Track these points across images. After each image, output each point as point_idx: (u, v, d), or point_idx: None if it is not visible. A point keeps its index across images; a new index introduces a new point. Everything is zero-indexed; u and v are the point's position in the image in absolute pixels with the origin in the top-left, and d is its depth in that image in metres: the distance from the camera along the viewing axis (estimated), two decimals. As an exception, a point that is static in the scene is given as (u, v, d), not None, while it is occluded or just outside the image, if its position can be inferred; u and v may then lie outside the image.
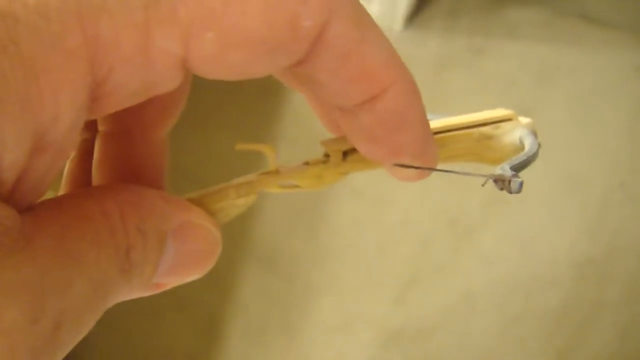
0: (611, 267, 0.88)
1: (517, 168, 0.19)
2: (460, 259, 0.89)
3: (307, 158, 0.21)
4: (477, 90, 1.00)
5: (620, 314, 0.85)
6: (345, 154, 0.20)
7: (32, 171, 0.14)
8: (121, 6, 0.13)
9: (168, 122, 0.19)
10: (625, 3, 1.07)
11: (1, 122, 0.12)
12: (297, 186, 0.20)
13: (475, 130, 0.21)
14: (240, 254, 0.87)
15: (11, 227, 0.13)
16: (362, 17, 0.16)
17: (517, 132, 0.21)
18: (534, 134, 0.21)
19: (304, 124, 0.92)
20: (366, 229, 0.90)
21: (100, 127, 0.19)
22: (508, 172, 0.18)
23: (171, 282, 0.17)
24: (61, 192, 0.20)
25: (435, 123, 0.21)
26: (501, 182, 0.18)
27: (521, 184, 0.18)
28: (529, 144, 0.20)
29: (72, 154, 0.20)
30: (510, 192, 0.18)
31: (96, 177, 0.19)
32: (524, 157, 0.19)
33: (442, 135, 0.21)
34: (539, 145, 0.20)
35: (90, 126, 0.20)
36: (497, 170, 0.19)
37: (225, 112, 0.96)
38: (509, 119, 0.21)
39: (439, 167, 0.19)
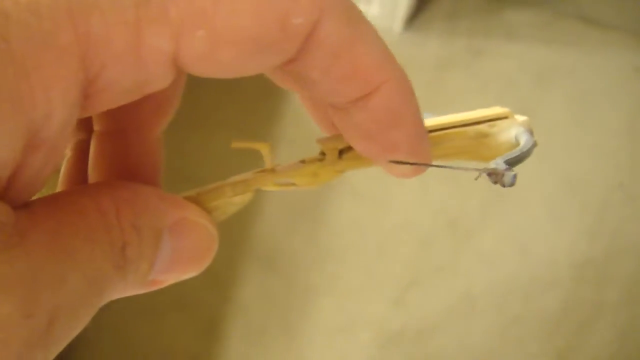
0: (611, 268, 0.88)
1: (511, 163, 0.19)
2: (460, 260, 0.89)
3: (305, 158, 0.21)
4: (476, 91, 1.00)
5: (619, 314, 0.85)
6: (341, 152, 0.20)
7: (26, 168, 0.14)
8: (112, 4, 0.13)
9: (163, 121, 0.20)
10: (624, 4, 1.07)
11: None
12: (293, 184, 0.20)
13: (470, 128, 0.21)
14: (240, 254, 0.87)
15: (5, 223, 0.13)
16: (354, 15, 0.16)
17: (512, 130, 0.21)
18: (530, 131, 0.21)
19: (303, 124, 0.92)
20: (366, 229, 0.90)
21: (96, 127, 0.19)
22: (502, 166, 0.18)
23: (168, 279, 0.17)
24: (57, 192, 0.20)
25: (431, 121, 0.21)
26: (494, 176, 0.18)
27: (514, 177, 0.18)
28: (524, 141, 0.20)
29: (68, 154, 0.20)
30: (504, 186, 0.18)
31: (92, 177, 0.19)
32: (518, 153, 0.19)
33: (438, 133, 0.21)
34: (535, 143, 0.20)
35: (86, 127, 0.20)
36: (491, 164, 0.19)
37: (224, 112, 0.96)
38: (505, 117, 0.21)
39: (433, 163, 0.19)
